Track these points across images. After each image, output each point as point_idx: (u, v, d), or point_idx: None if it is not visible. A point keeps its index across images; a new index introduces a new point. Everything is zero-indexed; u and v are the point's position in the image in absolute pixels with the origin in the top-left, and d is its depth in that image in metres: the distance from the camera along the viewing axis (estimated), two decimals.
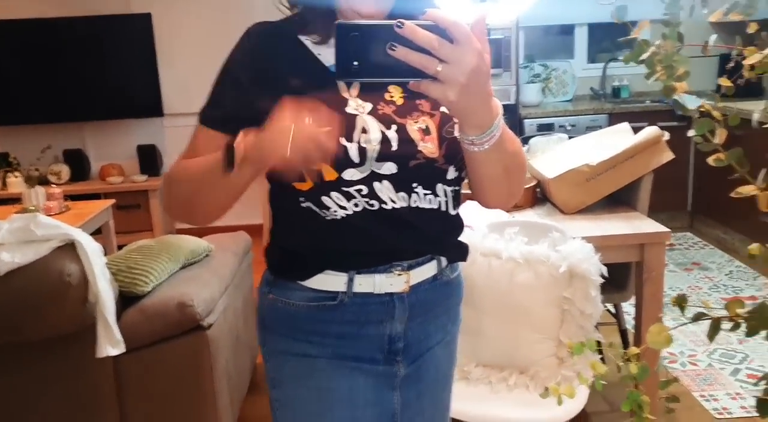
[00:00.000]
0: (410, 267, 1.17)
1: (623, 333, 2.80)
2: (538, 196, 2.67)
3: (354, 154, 1.05)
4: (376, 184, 1.08)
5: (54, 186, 4.28)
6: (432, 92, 0.87)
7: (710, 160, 0.75)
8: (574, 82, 5.31)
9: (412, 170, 1.09)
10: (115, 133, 5.24)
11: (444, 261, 1.22)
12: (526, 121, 4.81)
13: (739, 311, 0.75)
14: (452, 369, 1.36)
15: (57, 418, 2.18)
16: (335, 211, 1.09)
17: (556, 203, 2.52)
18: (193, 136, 1.16)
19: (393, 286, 1.16)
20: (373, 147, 1.06)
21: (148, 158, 5.12)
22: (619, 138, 2.59)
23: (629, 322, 2.92)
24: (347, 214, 1.09)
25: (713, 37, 0.74)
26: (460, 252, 1.25)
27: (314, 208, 1.10)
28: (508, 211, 2.43)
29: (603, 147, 2.52)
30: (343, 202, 1.09)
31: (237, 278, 2.67)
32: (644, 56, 0.71)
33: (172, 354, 2.20)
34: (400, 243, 1.14)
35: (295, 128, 0.91)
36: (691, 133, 0.74)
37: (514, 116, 4.78)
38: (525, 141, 3.06)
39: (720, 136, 0.73)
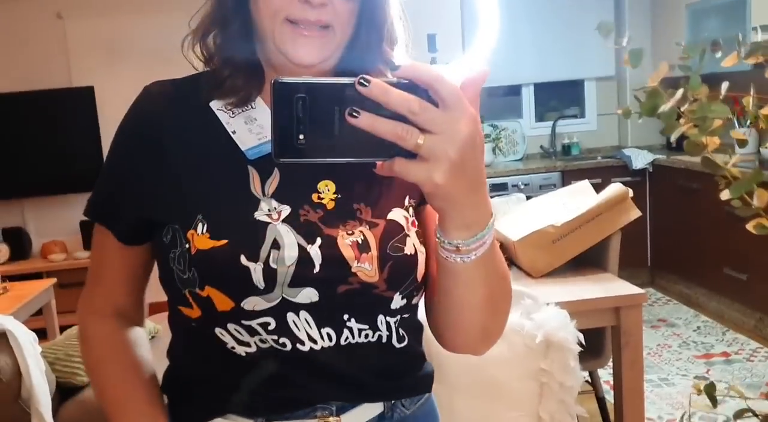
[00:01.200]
0: (341, 410, 0.89)
1: (601, 401, 2.68)
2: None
3: (258, 277, 0.80)
4: (289, 316, 0.82)
5: None
6: (411, 173, 0.63)
7: (751, 227, 0.63)
8: (524, 141, 5.33)
9: (342, 298, 0.83)
10: (57, 209, 5.02)
11: (394, 400, 0.94)
12: None
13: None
14: None
15: None
16: (233, 348, 0.84)
17: (523, 266, 2.43)
18: (93, 236, 0.99)
19: None
20: (287, 269, 0.81)
21: (92, 234, 4.89)
22: (582, 197, 2.53)
23: (606, 389, 2.80)
24: (249, 352, 0.84)
25: (725, 85, 0.65)
26: (417, 385, 0.96)
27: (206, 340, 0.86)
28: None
29: (566, 207, 2.46)
30: (245, 337, 0.83)
31: None
32: (665, 107, 0.59)
33: None
34: (325, 391, 0.88)
35: None
36: (725, 195, 0.63)
37: None
38: None
39: (761, 199, 0.61)
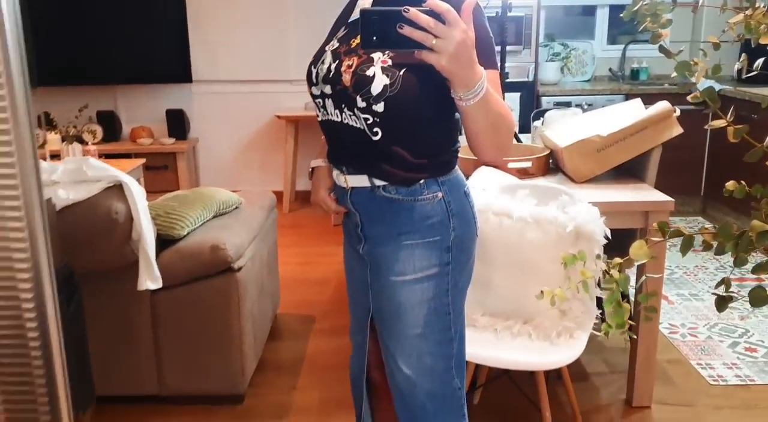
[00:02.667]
0: (348, 172, 1.52)
1: (624, 297, 2.94)
2: (551, 165, 2.81)
3: (313, 76, 1.48)
4: (325, 100, 1.46)
5: (89, 144, 4.47)
6: (429, 59, 1.19)
7: (688, 97, 0.89)
8: (593, 62, 5.42)
9: (339, 93, 1.42)
10: (145, 97, 5.42)
11: (376, 180, 1.49)
12: (543, 98, 4.94)
13: (707, 227, 0.90)
14: (410, 274, 1.52)
15: (99, 347, 2.37)
16: (318, 116, 1.54)
17: (567, 171, 2.66)
18: None
19: (340, 182, 1.55)
20: (322, 73, 1.46)
21: (177, 122, 5.30)
22: (632, 112, 2.72)
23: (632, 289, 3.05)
24: (321, 120, 1.52)
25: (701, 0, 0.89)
26: (391, 176, 1.47)
27: None
28: (525, 177, 2.58)
29: (615, 120, 2.65)
30: (318, 111, 1.52)
31: (263, 231, 2.85)
32: (635, 8, 0.85)
33: (204, 292, 2.39)
34: (338, 151, 1.53)
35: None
36: (674, 75, 0.88)
37: (531, 93, 4.91)
38: (541, 114, 3.20)
39: (698, 77, 0.87)
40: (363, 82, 1.38)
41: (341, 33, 1.51)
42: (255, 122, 5.55)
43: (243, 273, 2.42)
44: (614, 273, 0.93)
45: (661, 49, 0.89)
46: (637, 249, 0.93)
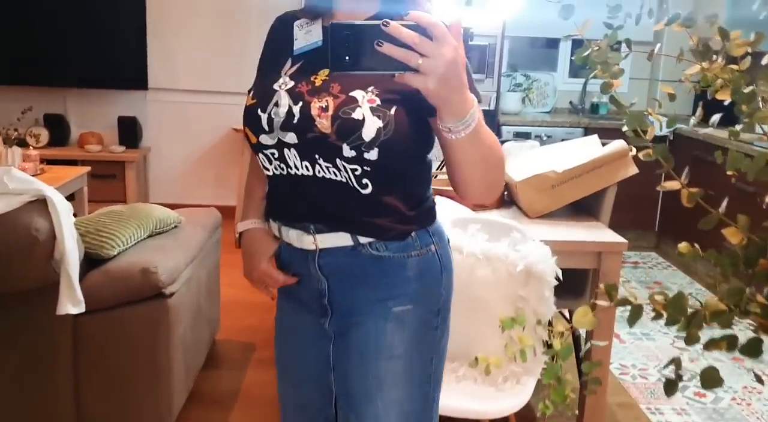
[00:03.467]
0: (318, 231, 1.30)
1: (576, 338, 2.87)
2: (505, 198, 2.74)
3: (264, 122, 1.25)
4: (285, 151, 1.24)
5: (32, 148, 4.28)
6: (414, 82, 0.98)
7: (640, 155, 0.80)
8: (554, 94, 5.40)
9: (311, 142, 1.21)
10: (97, 102, 5.23)
11: (362, 237, 1.28)
12: (504, 127, 4.90)
13: (658, 298, 0.81)
14: (398, 348, 1.32)
15: (11, 373, 2.21)
16: (266, 169, 1.31)
17: (522, 206, 2.59)
18: None
19: (304, 243, 1.32)
20: (279, 118, 1.23)
21: (128, 130, 5.12)
22: (588, 149, 2.66)
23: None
24: (271, 174, 1.31)
25: (658, 46, 0.80)
26: (384, 231, 1.28)
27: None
28: (479, 209, 2.49)
29: (571, 156, 2.59)
30: (266, 164, 1.29)
31: (204, 252, 2.71)
32: (585, 53, 0.76)
33: (132, 319, 2.24)
34: (304, 208, 1.30)
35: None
36: (624, 128, 0.79)
37: (493, 122, 4.86)
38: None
39: (650, 133, 0.78)
40: (350, 128, 1.17)
41: (290, 68, 1.29)
42: (211, 134, 5.39)
43: (176, 299, 2.27)
44: (555, 343, 0.83)
45: (612, 100, 0.80)
46: (581, 316, 0.83)
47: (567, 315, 2.95)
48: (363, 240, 1.28)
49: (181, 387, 2.41)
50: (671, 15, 0.76)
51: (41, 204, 2.02)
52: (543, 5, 4.17)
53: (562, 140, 4.73)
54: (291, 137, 1.23)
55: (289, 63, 1.30)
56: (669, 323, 0.89)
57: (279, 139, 1.24)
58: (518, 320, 0.93)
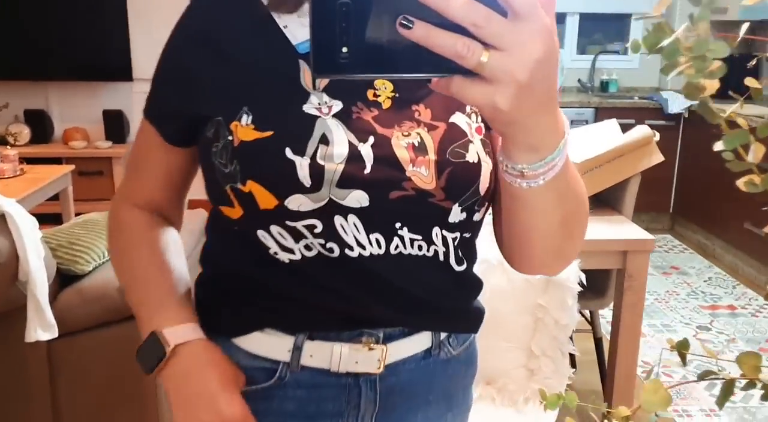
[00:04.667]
0: (387, 339, 0.84)
1: (598, 341, 2.67)
2: None
3: (304, 173, 0.73)
4: (337, 219, 0.76)
5: (9, 147, 4.05)
6: (470, 95, 0.52)
7: (741, 183, 0.57)
8: (562, 72, 5.16)
9: (394, 204, 0.76)
10: (80, 96, 4.99)
11: (443, 333, 0.89)
12: None
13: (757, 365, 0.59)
14: None
15: None
16: (276, 254, 0.78)
17: None
18: (138, 129, 0.94)
19: (359, 364, 0.83)
20: (335, 166, 0.74)
21: (115, 124, 4.89)
22: (607, 135, 2.44)
23: (605, 327, 2.79)
24: (293, 260, 0.78)
25: (746, 26, 0.58)
26: (469, 321, 0.92)
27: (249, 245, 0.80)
28: None
29: (589, 144, 2.38)
30: (288, 242, 0.77)
31: (191, 259, 2.49)
32: (665, 43, 0.52)
33: (112, 341, 2.03)
34: (372, 306, 0.81)
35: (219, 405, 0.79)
36: (718, 146, 0.56)
37: None
38: None
39: (756, 153, 0.55)
40: (467, 178, 0.77)
41: (319, 80, 0.78)
42: None
43: None
44: None
45: (704, 108, 0.56)
46: (651, 395, 0.61)
47: (588, 316, 2.74)
48: (442, 336, 0.88)
49: (169, 413, 2.21)
50: None
51: (0, 221, 1.80)
52: None
53: (572, 122, 4.52)
54: (356, 198, 0.75)
55: (304, 68, 0.78)
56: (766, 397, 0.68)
57: (331, 199, 0.75)
58: (568, 398, 0.71)
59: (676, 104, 4.59)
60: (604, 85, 5.14)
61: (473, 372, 0.98)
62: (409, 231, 0.78)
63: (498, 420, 1.81)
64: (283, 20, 0.80)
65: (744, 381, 0.68)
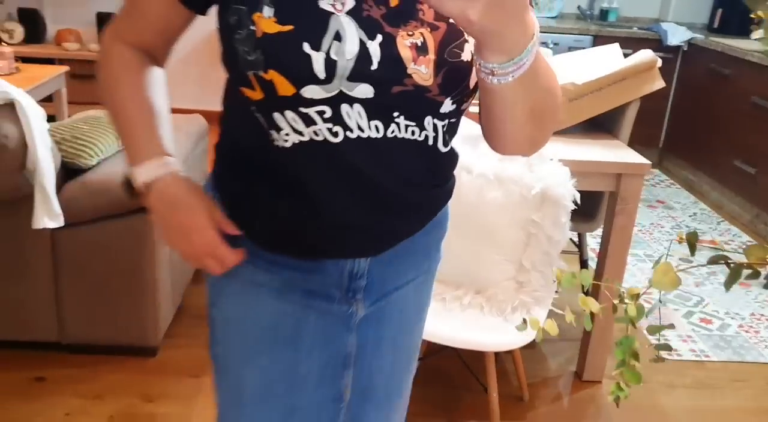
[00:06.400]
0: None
1: (583, 263, 2.75)
2: None
3: (320, 67, 0.79)
4: (344, 107, 0.83)
5: (5, 44, 3.98)
6: (446, 7, 0.61)
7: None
8: None
9: (395, 97, 0.83)
10: None
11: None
12: None
13: (764, 257, 0.64)
14: (423, 312, 1.17)
15: None
16: (287, 135, 0.85)
17: None
18: None
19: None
20: (346, 62, 0.80)
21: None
22: (609, 59, 2.45)
23: (591, 257, 2.87)
24: (297, 142, 0.85)
25: None
26: (449, 195, 1.04)
27: (264, 124, 0.87)
28: None
29: (591, 67, 2.39)
30: (299, 126, 0.84)
31: (189, 161, 2.52)
32: None
33: (114, 233, 2.08)
34: (355, 193, 0.89)
35: (195, 235, 0.89)
36: (756, 34, 0.59)
37: None
38: None
39: None
40: (459, 77, 0.84)
41: None
42: (194, 32, 4.91)
43: None
44: (629, 308, 0.67)
45: None
46: (662, 276, 0.67)
47: (576, 239, 2.81)
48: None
49: (168, 302, 2.27)
50: None
51: (9, 108, 1.81)
52: None
53: (570, 48, 4.49)
54: (363, 91, 0.82)
55: None
56: None
57: (341, 91, 0.81)
58: (583, 277, 0.76)
59: (676, 36, 4.57)
60: (604, 13, 5.09)
61: (446, 228, 1.11)
62: (405, 119, 0.85)
63: (485, 327, 1.88)
64: None
65: (749, 271, 0.73)
